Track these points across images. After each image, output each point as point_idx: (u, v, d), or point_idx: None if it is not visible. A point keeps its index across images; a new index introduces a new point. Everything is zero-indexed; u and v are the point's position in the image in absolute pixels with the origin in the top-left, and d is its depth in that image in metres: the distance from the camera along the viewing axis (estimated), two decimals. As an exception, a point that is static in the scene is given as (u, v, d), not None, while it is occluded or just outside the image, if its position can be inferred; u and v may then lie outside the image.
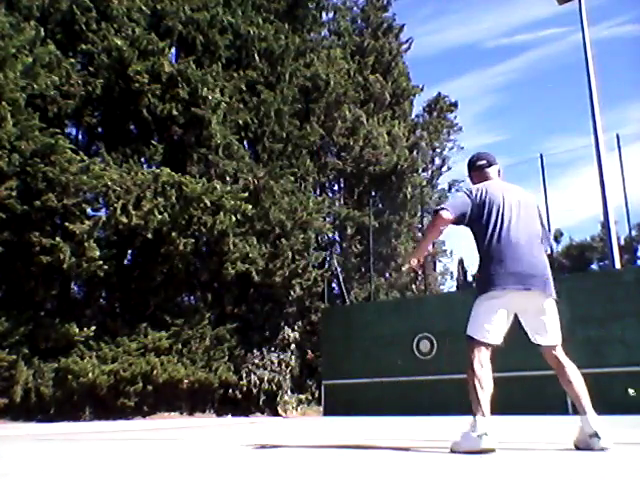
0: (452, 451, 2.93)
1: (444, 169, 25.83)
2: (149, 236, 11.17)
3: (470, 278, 32.77)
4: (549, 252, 3.52)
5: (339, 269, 16.45)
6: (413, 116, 23.84)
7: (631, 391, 9.18)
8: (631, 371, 9.21)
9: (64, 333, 10.38)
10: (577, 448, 2.94)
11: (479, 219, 3.23)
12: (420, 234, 19.96)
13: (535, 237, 3.26)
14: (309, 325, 15.52)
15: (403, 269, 3.34)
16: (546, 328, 3.13)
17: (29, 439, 5.36)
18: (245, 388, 12.82)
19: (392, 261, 19.41)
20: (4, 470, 2.64)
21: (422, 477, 2.13)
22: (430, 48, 54.89)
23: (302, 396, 13.97)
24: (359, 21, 22.45)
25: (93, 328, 10.70)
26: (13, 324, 9.93)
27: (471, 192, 3.32)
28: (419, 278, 20.34)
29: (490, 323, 3.05)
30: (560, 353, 3.18)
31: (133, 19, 12.46)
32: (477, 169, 3.51)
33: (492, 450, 2.79)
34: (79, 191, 10.59)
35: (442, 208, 3.24)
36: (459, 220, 3.25)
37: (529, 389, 10.09)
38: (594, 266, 28.91)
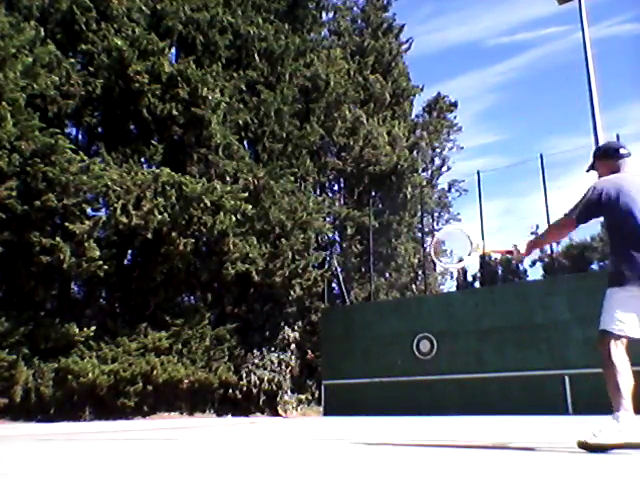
0: (587, 447, 2.78)
1: (444, 169, 25.84)
2: (149, 236, 11.17)
3: (470, 278, 32.77)
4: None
5: (339, 269, 16.45)
6: (413, 116, 23.84)
7: None
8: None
9: (64, 333, 10.39)
10: None
11: (620, 216, 3.08)
12: (420, 234, 19.96)
13: None
14: (309, 325, 15.52)
15: (514, 256, 3.29)
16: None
17: (29, 439, 5.36)
18: (245, 388, 12.82)
19: (392, 261, 19.41)
20: (4, 470, 2.64)
21: (419, 477, 2.13)
22: (430, 47, 54.89)
23: (302, 396, 13.97)
24: (359, 21, 22.45)
25: (93, 328, 10.71)
26: (13, 324, 9.93)
27: (609, 189, 3.13)
28: (419, 278, 20.34)
29: (628, 315, 2.92)
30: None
31: (133, 19, 12.46)
32: (617, 158, 3.26)
33: (638, 445, 2.68)
34: (79, 191, 10.59)
35: (571, 217, 3.17)
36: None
37: (529, 389, 10.10)
38: (594, 266, 28.89)
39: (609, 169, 3.24)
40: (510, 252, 3.53)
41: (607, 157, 3.31)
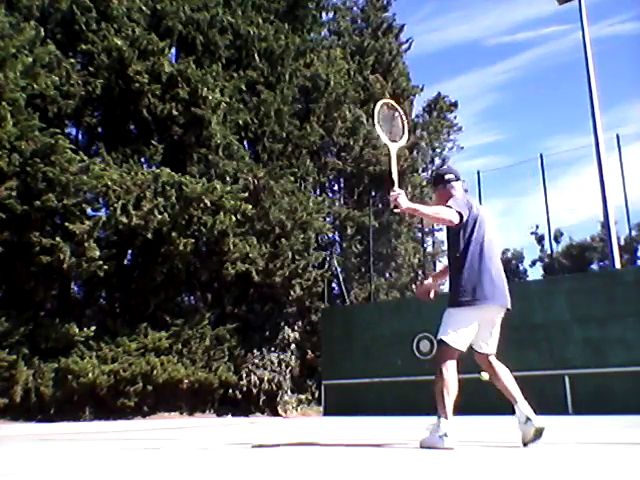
0: (421, 446, 3.21)
1: (444, 169, 25.83)
2: (149, 236, 11.17)
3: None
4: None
5: (339, 269, 16.45)
6: (413, 116, 23.83)
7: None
8: (631, 371, 9.21)
9: (64, 333, 10.38)
10: (525, 445, 3.13)
11: (471, 231, 3.32)
12: (420, 234, 19.95)
13: (500, 256, 3.46)
14: (309, 325, 15.51)
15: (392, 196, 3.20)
16: (492, 338, 3.42)
17: (29, 439, 5.36)
18: (245, 388, 12.82)
19: (392, 261, 19.41)
20: (7, 470, 2.64)
21: (416, 476, 2.13)
22: (431, 46, 54.92)
23: (302, 396, 13.96)
24: (359, 21, 22.44)
25: (93, 328, 10.70)
26: (13, 324, 9.93)
27: (468, 201, 3.38)
28: (419, 278, 20.33)
29: (462, 332, 3.27)
30: (494, 359, 3.45)
31: (133, 19, 12.45)
32: (445, 183, 3.49)
33: (451, 449, 3.02)
34: (79, 191, 10.59)
35: (459, 213, 3.29)
36: (459, 225, 3.34)
37: (529, 389, 10.09)
38: (594, 266, 28.90)
39: (444, 196, 3.43)
40: (393, 183, 3.30)
41: (437, 185, 3.55)
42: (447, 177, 3.48)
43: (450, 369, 3.22)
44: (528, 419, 3.10)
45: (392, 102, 3.86)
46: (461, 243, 3.35)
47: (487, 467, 2.41)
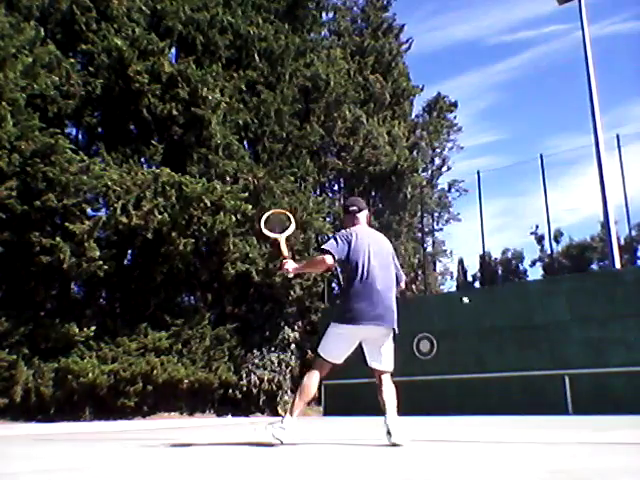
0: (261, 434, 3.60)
1: (444, 169, 25.88)
2: (149, 236, 11.17)
3: (470, 278, 32.79)
4: (404, 286, 4.06)
5: (339, 269, 16.44)
6: (413, 116, 23.86)
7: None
8: (631, 371, 9.21)
9: (64, 333, 10.38)
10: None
11: (350, 261, 3.71)
12: (420, 234, 19.97)
13: (390, 282, 3.80)
14: (309, 325, 15.51)
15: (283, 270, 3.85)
16: (383, 357, 3.88)
17: (29, 439, 5.36)
18: (245, 388, 12.82)
19: (392, 261, 19.40)
20: (12, 469, 2.64)
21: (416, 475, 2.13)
22: (431, 46, 54.93)
23: (302, 396, 13.96)
24: (359, 21, 22.45)
25: (93, 328, 10.70)
26: (13, 324, 9.93)
27: (348, 236, 3.76)
28: (419, 278, 20.34)
29: (338, 347, 3.74)
30: (386, 378, 3.87)
31: (133, 19, 12.46)
32: (349, 214, 3.96)
33: (280, 442, 3.44)
34: (79, 191, 10.59)
35: (328, 252, 3.65)
36: (336, 261, 3.72)
37: (529, 389, 10.09)
38: (594, 266, 28.92)
39: (349, 222, 3.94)
40: (283, 257, 3.83)
41: (345, 213, 4.05)
42: (351, 209, 3.96)
43: (313, 378, 3.65)
44: (389, 433, 3.46)
45: (276, 211, 4.40)
46: (344, 271, 3.81)
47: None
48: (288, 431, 3.46)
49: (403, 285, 4.02)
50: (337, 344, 3.73)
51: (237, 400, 12.76)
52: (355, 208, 3.95)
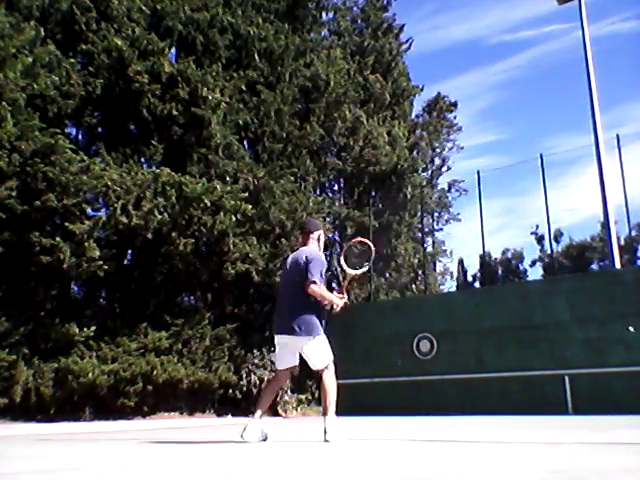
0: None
1: (444, 169, 25.87)
2: (149, 236, 11.17)
3: (470, 278, 32.78)
4: (309, 290, 4.09)
5: (339, 269, 16.42)
6: (413, 116, 23.84)
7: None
8: (631, 371, 9.21)
9: (64, 333, 10.38)
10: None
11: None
12: (420, 234, 19.95)
13: (288, 294, 4.18)
14: (309, 325, 15.49)
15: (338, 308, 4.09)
16: (308, 359, 4.16)
17: (29, 439, 5.36)
18: (245, 388, 12.81)
19: (392, 261, 19.40)
20: (12, 469, 2.64)
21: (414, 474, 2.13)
22: (431, 46, 54.87)
23: (302, 396, 13.96)
24: (359, 21, 22.41)
25: (93, 328, 10.70)
26: (13, 324, 9.93)
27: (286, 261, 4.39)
28: (419, 278, 20.34)
29: (277, 355, 4.28)
30: (324, 374, 4.25)
31: (133, 19, 12.46)
32: (302, 234, 4.46)
33: (245, 441, 3.97)
34: (79, 191, 10.59)
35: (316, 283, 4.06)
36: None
37: (529, 389, 10.10)
38: (594, 266, 28.91)
39: (303, 242, 4.40)
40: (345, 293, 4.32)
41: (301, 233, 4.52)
42: (303, 230, 4.42)
43: (270, 382, 4.39)
44: (324, 431, 4.05)
45: (362, 240, 4.87)
46: None
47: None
48: (249, 429, 4.04)
49: (308, 289, 4.07)
50: (277, 352, 4.29)
51: (237, 400, 12.76)
52: (307, 228, 4.40)
